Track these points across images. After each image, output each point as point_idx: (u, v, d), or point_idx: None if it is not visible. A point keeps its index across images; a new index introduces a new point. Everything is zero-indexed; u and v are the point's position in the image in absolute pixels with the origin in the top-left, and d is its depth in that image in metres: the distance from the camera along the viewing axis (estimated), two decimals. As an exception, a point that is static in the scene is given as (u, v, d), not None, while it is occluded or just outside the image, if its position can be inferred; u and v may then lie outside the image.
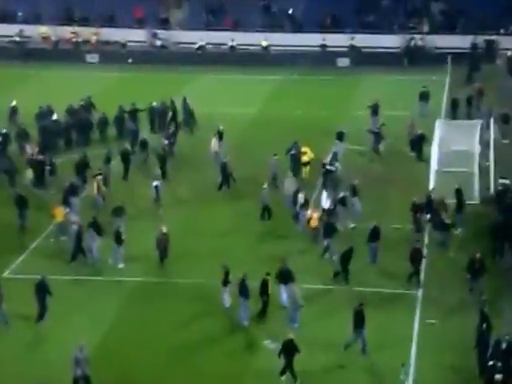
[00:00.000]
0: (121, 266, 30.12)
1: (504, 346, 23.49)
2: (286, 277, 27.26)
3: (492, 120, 40.06)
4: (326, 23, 56.30)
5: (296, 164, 37.04)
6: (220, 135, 39.23)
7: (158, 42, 57.45)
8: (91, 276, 29.79)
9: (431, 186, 34.05)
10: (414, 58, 53.18)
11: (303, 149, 37.28)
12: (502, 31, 54.14)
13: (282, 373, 23.91)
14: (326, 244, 30.42)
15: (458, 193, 32.45)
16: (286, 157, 37.15)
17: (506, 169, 36.20)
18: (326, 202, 32.89)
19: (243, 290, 26.60)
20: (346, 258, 28.82)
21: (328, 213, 32.08)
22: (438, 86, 47.65)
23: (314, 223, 31.53)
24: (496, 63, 51.74)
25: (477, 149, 36.39)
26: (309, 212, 31.95)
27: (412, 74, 50.25)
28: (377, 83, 49.37)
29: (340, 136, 38.97)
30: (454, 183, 32.90)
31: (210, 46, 56.37)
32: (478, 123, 38.53)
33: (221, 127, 39.46)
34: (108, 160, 36.92)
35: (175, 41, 57.47)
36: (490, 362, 23.26)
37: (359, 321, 24.98)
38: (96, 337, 25.96)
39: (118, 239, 30.01)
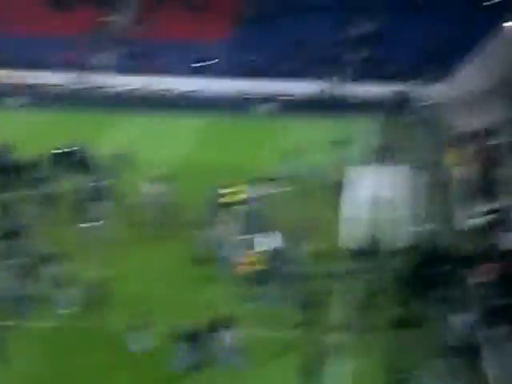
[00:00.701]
0: (66, 311, 30.11)
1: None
2: (219, 323, 27.28)
3: (408, 167, 41.16)
4: (247, 70, 57.11)
5: (219, 205, 37.64)
6: (158, 178, 39.64)
7: (83, 86, 57.50)
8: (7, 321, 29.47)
9: (344, 232, 34.79)
10: (330, 105, 54.24)
11: (231, 189, 38.06)
12: (419, 80, 55.77)
13: None
14: (261, 290, 30.61)
15: (375, 240, 33.18)
16: (212, 198, 37.93)
17: (421, 216, 37.07)
18: (261, 246, 33.13)
19: (182, 335, 26.77)
20: (307, 304, 29.00)
21: (264, 258, 32.38)
22: (356, 133, 48.55)
23: (245, 268, 31.69)
24: (412, 112, 53.03)
25: (394, 195, 37.26)
26: (241, 256, 32.17)
27: (331, 120, 51.05)
28: (296, 129, 50.20)
29: (258, 180, 39.65)
30: (373, 230, 33.70)
31: (135, 89, 56.69)
32: (395, 170, 39.50)
33: (159, 170, 39.97)
34: (40, 203, 37.25)
35: (100, 84, 57.59)
36: None
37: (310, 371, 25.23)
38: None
39: (59, 284, 30.16)
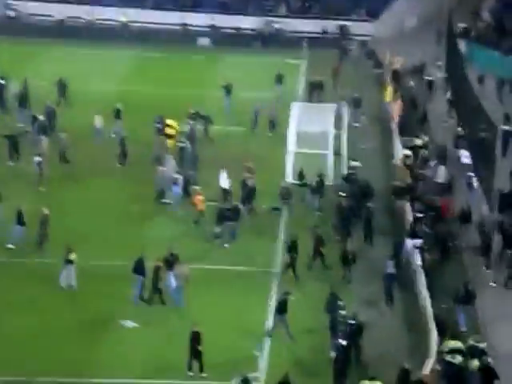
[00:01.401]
0: (10, 246, 29.81)
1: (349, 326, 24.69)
2: (172, 262, 27.50)
3: (345, 103, 42.00)
4: (186, 2, 57.00)
5: (161, 139, 37.55)
6: (117, 112, 39.35)
7: (12, 13, 56.33)
8: None
9: (288, 167, 35.49)
10: (269, 40, 54.57)
11: (168, 121, 37.92)
12: (353, 17, 56.61)
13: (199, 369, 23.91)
14: (218, 230, 30.58)
15: (320, 175, 33.91)
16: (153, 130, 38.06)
17: (357, 151, 38.14)
18: (225, 183, 33.07)
19: (139, 269, 27.12)
20: (292, 247, 29.11)
21: (225, 196, 32.48)
22: (294, 69, 49.19)
23: (199, 206, 31.65)
24: (349, 48, 53.74)
25: (331, 131, 38.24)
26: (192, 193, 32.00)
27: (270, 56, 51.41)
28: (236, 64, 50.39)
29: (194, 116, 39.49)
30: (309, 164, 34.35)
31: (68, 19, 55.83)
32: (332, 106, 40.36)
33: (118, 105, 39.49)
34: None
35: (30, 12, 56.41)
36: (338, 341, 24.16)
37: (283, 308, 25.77)
38: None
39: (21, 220, 29.63)
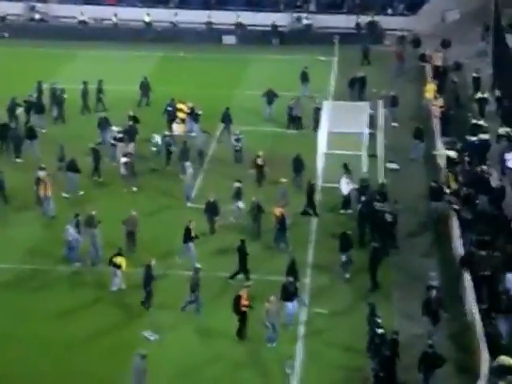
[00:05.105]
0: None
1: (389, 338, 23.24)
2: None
3: (380, 102, 39.45)
4: (211, 1, 54.95)
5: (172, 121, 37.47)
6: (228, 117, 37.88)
7: (37, 16, 54.96)
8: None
9: (319, 168, 33.36)
10: (287, 37, 52.10)
11: (178, 105, 37.52)
12: (389, 11, 53.98)
13: None
14: (344, 259, 28.13)
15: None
16: (163, 115, 37.55)
17: (394, 152, 35.91)
18: (346, 188, 31.43)
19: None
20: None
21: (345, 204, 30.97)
22: (325, 66, 46.92)
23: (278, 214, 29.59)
24: (383, 44, 51.10)
25: (365, 131, 35.67)
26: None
27: (298, 53, 48.87)
28: (263, 62, 48.40)
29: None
30: (341, 166, 32.24)
31: (91, 20, 54.22)
32: (365, 105, 37.85)
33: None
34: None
35: (54, 15, 55.05)
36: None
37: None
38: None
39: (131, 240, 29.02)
